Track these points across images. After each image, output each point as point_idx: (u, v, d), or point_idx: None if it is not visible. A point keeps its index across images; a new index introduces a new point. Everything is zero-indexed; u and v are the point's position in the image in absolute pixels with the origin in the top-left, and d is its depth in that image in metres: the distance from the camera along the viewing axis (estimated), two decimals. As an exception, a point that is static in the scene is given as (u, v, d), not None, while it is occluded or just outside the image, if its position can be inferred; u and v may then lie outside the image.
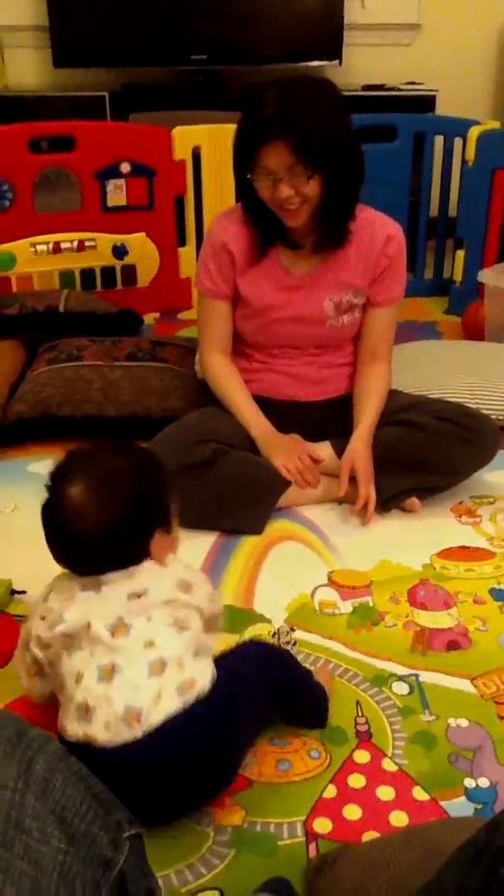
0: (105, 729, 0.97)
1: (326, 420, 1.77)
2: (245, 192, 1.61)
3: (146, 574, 1.06)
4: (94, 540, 1.03)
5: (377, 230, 1.68)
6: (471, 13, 3.69)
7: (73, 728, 0.99)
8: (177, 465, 1.56)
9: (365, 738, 1.18)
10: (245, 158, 1.54)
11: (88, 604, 1.04)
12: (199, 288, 1.77)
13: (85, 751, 0.93)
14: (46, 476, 1.07)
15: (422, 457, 1.70)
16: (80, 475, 1.04)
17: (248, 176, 1.55)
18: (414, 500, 1.71)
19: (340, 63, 3.50)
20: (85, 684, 1.00)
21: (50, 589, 1.10)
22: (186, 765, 0.98)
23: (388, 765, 1.13)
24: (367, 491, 1.64)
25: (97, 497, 1.03)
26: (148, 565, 1.07)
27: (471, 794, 1.09)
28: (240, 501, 1.64)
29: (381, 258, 1.70)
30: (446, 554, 1.60)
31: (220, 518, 1.64)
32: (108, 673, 1.00)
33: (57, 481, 1.05)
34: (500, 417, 2.02)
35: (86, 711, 0.99)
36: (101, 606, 1.03)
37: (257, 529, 1.65)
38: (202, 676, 1.02)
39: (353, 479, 1.68)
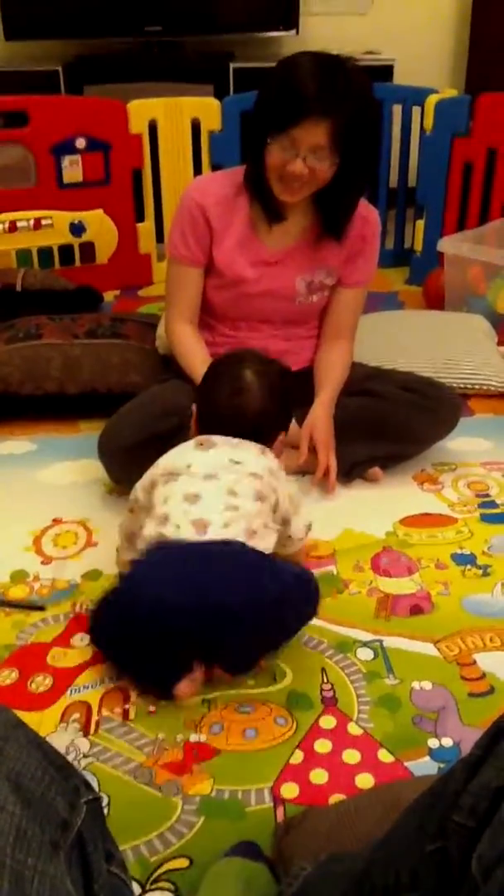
0: (176, 529, 1.16)
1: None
2: (254, 153, 1.55)
3: (247, 450, 1.29)
4: (251, 413, 1.31)
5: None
6: (426, -20, 3.68)
7: (149, 531, 1.19)
8: (141, 436, 1.57)
9: (331, 704, 1.19)
10: (274, 123, 1.47)
11: (196, 455, 1.27)
12: (170, 253, 1.72)
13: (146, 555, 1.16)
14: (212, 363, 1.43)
15: (384, 426, 1.71)
16: (255, 366, 1.34)
17: (268, 141, 1.49)
18: (376, 470, 1.73)
19: (297, 33, 3.47)
20: (170, 502, 1.20)
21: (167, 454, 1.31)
22: (225, 583, 1.10)
23: (353, 729, 1.15)
24: (328, 459, 1.64)
25: (263, 384, 1.32)
26: (250, 445, 1.30)
27: (435, 754, 1.11)
28: None
29: (355, 240, 1.69)
30: (409, 521, 1.61)
31: None
32: (192, 498, 1.20)
33: (231, 364, 1.36)
34: (461, 386, 2.04)
35: (165, 519, 1.19)
36: (205, 459, 1.26)
37: None
38: (263, 540, 1.21)
39: (314, 450, 1.69)
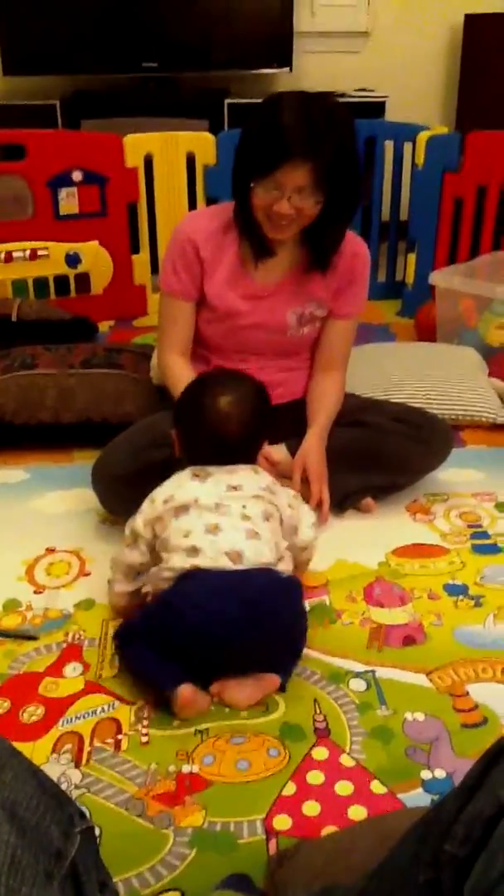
0: (212, 561, 1.22)
1: (282, 423, 1.78)
2: (240, 195, 1.57)
3: (243, 473, 1.34)
4: (234, 440, 1.34)
5: (344, 245, 1.68)
6: (418, 22, 3.76)
7: (178, 563, 1.23)
8: (134, 466, 1.58)
9: (323, 735, 1.19)
10: (257, 168, 1.49)
11: (196, 488, 1.31)
12: (163, 287, 1.73)
13: (187, 575, 1.22)
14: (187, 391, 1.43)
15: (377, 457, 1.72)
16: (227, 389, 1.36)
17: (252, 184, 1.51)
18: (369, 501, 1.74)
19: (291, 70, 3.54)
20: (194, 536, 1.25)
21: (158, 488, 1.36)
22: (253, 595, 1.20)
23: (346, 760, 1.15)
24: (320, 491, 1.64)
25: (240, 408, 1.35)
26: (244, 468, 1.35)
27: (428, 786, 1.11)
28: None
29: (345, 273, 1.71)
30: (401, 551, 1.62)
31: None
32: (213, 529, 1.26)
33: (204, 395, 1.37)
34: (453, 417, 2.06)
35: (195, 551, 1.23)
36: (207, 490, 1.31)
37: None
38: (286, 563, 1.31)
39: (307, 480, 1.70)
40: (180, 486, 1.33)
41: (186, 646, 1.20)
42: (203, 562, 1.23)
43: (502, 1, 3.62)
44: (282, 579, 1.28)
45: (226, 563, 1.23)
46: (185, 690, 1.18)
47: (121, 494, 1.62)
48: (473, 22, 3.59)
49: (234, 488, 1.32)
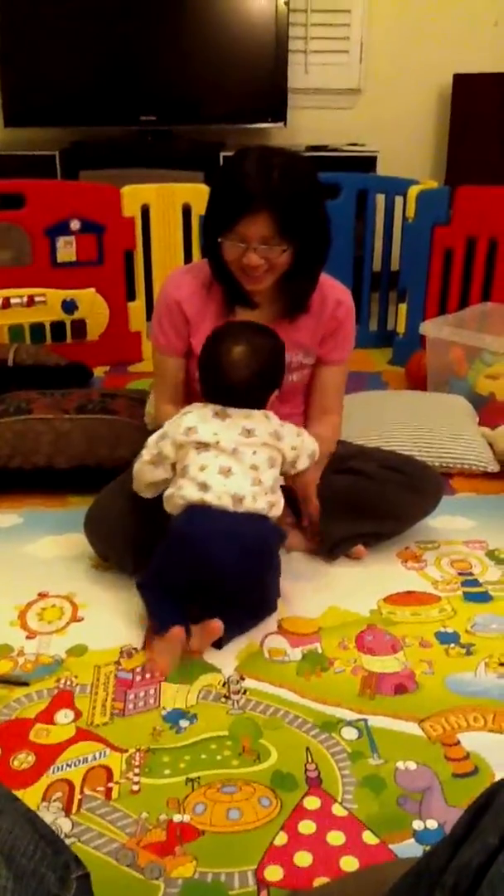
0: (217, 499, 1.43)
1: None
2: (212, 251, 1.62)
3: (257, 418, 1.51)
4: (242, 384, 1.49)
5: (327, 294, 1.72)
6: (409, 80, 3.88)
7: (192, 494, 1.43)
8: (127, 512, 1.60)
9: (315, 784, 1.19)
10: (221, 222, 1.54)
11: (218, 426, 1.48)
12: (153, 342, 1.78)
13: (194, 508, 1.43)
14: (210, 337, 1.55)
15: (369, 504, 1.73)
16: (240, 340, 1.50)
17: (219, 239, 1.55)
18: (360, 548, 1.75)
19: (285, 125, 3.63)
20: (207, 472, 1.45)
21: (186, 412, 1.53)
22: (251, 545, 1.43)
23: (338, 810, 1.14)
24: (314, 509, 1.67)
25: (249, 357, 1.49)
26: (258, 414, 1.51)
27: (420, 836, 1.10)
28: None
29: (330, 321, 1.73)
30: (393, 599, 1.63)
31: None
32: (226, 472, 1.45)
33: (220, 341, 1.51)
34: (444, 465, 2.08)
35: (204, 486, 1.43)
36: (226, 432, 1.48)
37: None
38: (277, 507, 1.50)
39: (300, 527, 1.72)
40: (204, 420, 1.49)
41: (189, 570, 1.41)
42: (210, 498, 1.43)
43: (489, 62, 3.74)
44: (272, 530, 1.50)
45: (228, 504, 1.43)
46: (176, 630, 1.40)
47: (113, 541, 1.64)
48: (462, 81, 3.70)
49: (249, 432, 1.49)
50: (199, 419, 1.50)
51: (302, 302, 1.69)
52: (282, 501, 1.53)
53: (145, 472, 1.55)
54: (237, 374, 1.49)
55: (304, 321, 1.72)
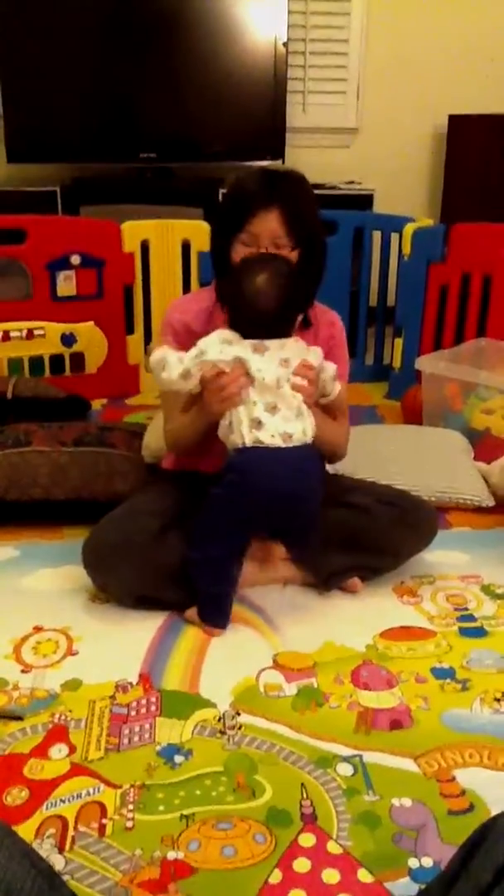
0: (270, 437, 1.52)
1: None
2: (220, 257, 1.68)
3: (290, 347, 1.57)
4: (272, 311, 1.54)
5: (319, 316, 1.76)
6: (405, 120, 3.95)
7: (247, 436, 1.52)
8: (125, 543, 1.61)
9: (310, 821, 1.18)
10: (233, 223, 1.62)
11: (259, 361, 1.53)
12: None
13: (251, 451, 1.53)
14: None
15: (364, 538, 1.74)
16: (262, 269, 1.54)
17: (232, 241, 1.63)
18: (355, 581, 1.75)
19: (283, 162, 3.68)
20: (257, 407, 1.53)
21: (226, 340, 1.56)
22: (302, 484, 1.56)
23: (333, 847, 1.14)
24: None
25: (276, 285, 1.53)
26: (290, 342, 1.58)
27: (415, 874, 1.10)
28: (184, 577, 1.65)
29: (326, 339, 1.77)
30: (388, 634, 1.63)
31: (166, 591, 1.66)
32: (272, 409, 1.54)
33: (243, 274, 1.55)
34: (439, 500, 2.09)
35: (258, 424, 1.52)
36: (267, 366, 1.53)
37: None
38: (313, 428, 1.58)
39: (293, 561, 1.74)
40: (245, 352, 1.54)
41: (255, 502, 1.54)
42: (264, 437, 1.52)
43: (483, 103, 3.81)
44: (317, 456, 1.63)
45: (280, 443, 1.52)
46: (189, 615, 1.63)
47: (111, 571, 1.64)
48: (457, 122, 3.77)
49: (286, 362, 1.55)
50: (240, 350, 1.54)
51: (305, 314, 1.72)
52: (314, 421, 1.60)
53: (174, 378, 1.57)
54: (267, 302, 1.53)
55: (304, 338, 1.74)
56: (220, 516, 1.58)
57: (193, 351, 1.57)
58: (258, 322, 1.55)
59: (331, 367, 1.64)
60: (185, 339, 1.73)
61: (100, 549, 1.64)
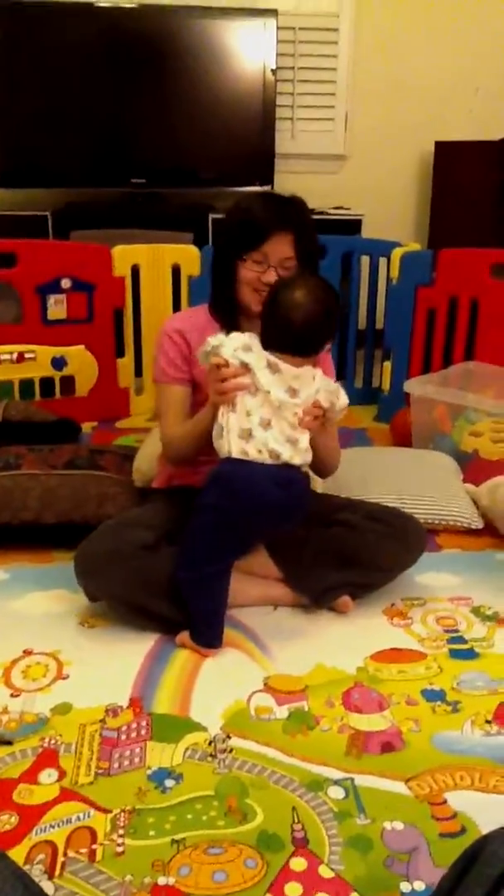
0: (258, 453, 1.53)
1: None
2: (223, 276, 1.73)
3: (304, 379, 1.56)
4: (304, 327, 1.55)
5: None
6: (392, 147, 4.01)
7: (234, 445, 1.53)
8: (119, 550, 1.62)
9: (301, 845, 1.17)
10: (246, 243, 1.67)
11: (269, 378, 1.54)
12: (159, 379, 1.80)
13: (237, 462, 1.53)
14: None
15: (353, 553, 1.75)
16: (305, 288, 1.56)
17: (241, 259, 1.68)
18: (346, 600, 1.75)
19: (272, 188, 3.72)
20: (251, 419, 1.53)
21: (246, 344, 1.56)
22: (289, 492, 1.56)
23: (324, 871, 1.13)
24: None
25: (312, 302, 1.55)
26: (307, 374, 1.57)
27: (407, 899, 1.09)
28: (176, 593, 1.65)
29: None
30: (379, 656, 1.63)
31: (157, 603, 1.65)
32: (266, 424, 1.54)
33: (285, 288, 1.57)
34: (428, 522, 2.10)
35: (249, 435, 1.53)
36: (275, 387, 1.54)
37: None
38: (308, 459, 1.59)
39: (286, 582, 1.74)
40: (258, 366, 1.54)
41: (242, 509, 1.55)
42: (251, 450, 1.53)
43: (468, 130, 3.87)
44: (303, 476, 1.63)
45: (266, 459, 1.53)
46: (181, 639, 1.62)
47: (104, 579, 1.64)
48: (443, 148, 3.83)
49: (294, 392, 1.55)
50: (256, 361, 1.55)
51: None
52: (311, 455, 1.60)
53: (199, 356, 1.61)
54: (303, 318, 1.54)
55: None
56: (207, 526, 1.58)
57: (215, 339, 1.57)
58: (291, 337, 1.56)
59: (343, 401, 1.64)
60: (183, 347, 1.78)
61: (91, 556, 1.64)
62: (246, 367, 1.54)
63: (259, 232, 1.67)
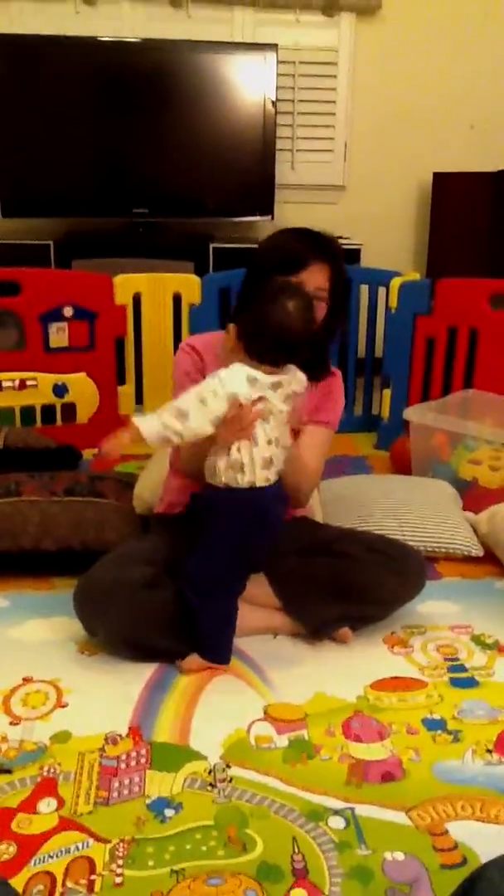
0: (276, 475, 1.58)
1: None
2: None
3: (290, 378, 1.56)
4: (298, 336, 1.54)
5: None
6: (391, 178, 4.06)
7: (261, 476, 1.55)
8: (117, 585, 1.61)
9: (301, 876, 1.17)
10: (281, 269, 1.67)
11: (276, 399, 1.54)
12: (175, 392, 1.77)
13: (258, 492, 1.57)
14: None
15: (352, 586, 1.74)
16: (296, 297, 1.54)
17: None
18: (346, 631, 1.75)
19: (273, 218, 3.76)
20: (243, 454, 1.54)
21: (246, 376, 1.52)
22: (285, 504, 1.68)
23: (324, 903, 1.12)
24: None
25: (304, 312, 1.55)
26: (290, 372, 1.56)
27: (408, 931, 1.09)
28: (177, 626, 1.65)
29: (323, 387, 1.84)
30: (379, 685, 1.62)
31: (157, 638, 1.65)
32: (277, 443, 1.57)
33: (274, 297, 1.54)
34: (428, 550, 2.10)
35: (241, 468, 1.55)
36: (282, 405, 1.55)
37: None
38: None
39: (286, 611, 1.74)
40: (269, 394, 1.54)
41: (261, 538, 1.61)
42: (272, 476, 1.57)
43: (466, 161, 3.92)
44: (285, 495, 1.67)
45: (262, 483, 1.56)
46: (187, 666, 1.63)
47: (103, 614, 1.63)
48: (441, 179, 3.88)
49: (287, 396, 1.56)
50: (262, 388, 1.53)
51: (318, 369, 1.80)
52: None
53: (191, 427, 1.52)
54: (294, 325, 1.54)
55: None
56: (224, 553, 1.60)
57: (217, 388, 1.51)
58: (286, 347, 1.54)
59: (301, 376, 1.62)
60: (200, 364, 1.81)
61: (91, 593, 1.64)
62: (260, 399, 1.53)
63: (299, 259, 1.69)
